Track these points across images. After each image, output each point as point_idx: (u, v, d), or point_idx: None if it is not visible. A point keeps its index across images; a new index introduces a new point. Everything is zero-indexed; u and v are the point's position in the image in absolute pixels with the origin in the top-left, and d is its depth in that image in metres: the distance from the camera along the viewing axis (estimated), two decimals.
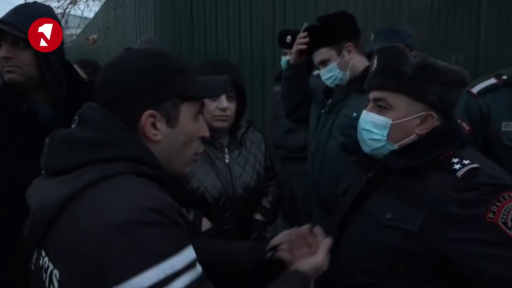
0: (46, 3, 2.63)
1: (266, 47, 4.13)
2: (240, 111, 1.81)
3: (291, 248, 1.25)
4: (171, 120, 0.99)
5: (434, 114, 1.31)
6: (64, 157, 0.92)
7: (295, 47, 2.16)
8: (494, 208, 1.14)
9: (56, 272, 0.87)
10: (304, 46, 2.12)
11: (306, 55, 2.16)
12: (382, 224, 1.29)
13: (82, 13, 6.33)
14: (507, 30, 4.88)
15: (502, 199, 1.15)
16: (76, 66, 2.67)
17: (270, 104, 3.91)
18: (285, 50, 3.34)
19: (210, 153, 1.77)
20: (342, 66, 2.03)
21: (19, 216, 1.47)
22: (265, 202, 1.92)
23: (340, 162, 1.62)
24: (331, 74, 2.05)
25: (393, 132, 1.33)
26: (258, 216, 1.87)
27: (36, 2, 1.75)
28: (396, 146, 1.34)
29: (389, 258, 1.26)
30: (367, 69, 1.81)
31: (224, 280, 1.14)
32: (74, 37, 7.26)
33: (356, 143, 1.44)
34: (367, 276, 1.32)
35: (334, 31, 2.04)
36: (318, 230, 1.25)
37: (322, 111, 2.13)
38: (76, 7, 6.09)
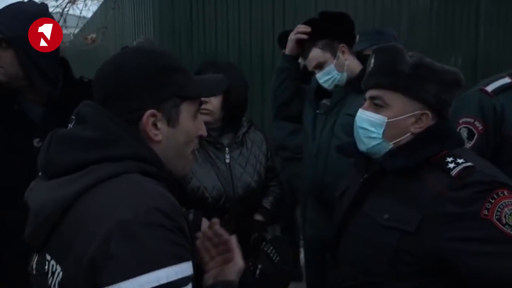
0: (46, 2, 2.62)
1: (265, 47, 4.12)
2: (228, 108, 1.80)
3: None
4: (172, 120, 0.98)
5: (429, 113, 1.32)
6: (67, 157, 0.90)
7: (294, 35, 2.13)
8: (488, 205, 1.15)
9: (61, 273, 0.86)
10: (305, 36, 2.09)
11: (301, 48, 2.14)
12: (380, 225, 1.29)
13: (80, 13, 6.31)
14: (506, 31, 4.87)
15: (496, 196, 1.16)
16: None
17: (270, 105, 3.89)
18: (284, 51, 3.34)
19: (211, 153, 1.77)
20: (339, 67, 2.03)
21: (7, 215, 1.48)
22: (266, 203, 1.92)
23: (345, 161, 1.62)
24: (329, 76, 2.04)
25: (389, 130, 1.33)
26: (258, 217, 1.88)
27: (22, 1, 1.71)
28: (391, 144, 1.34)
29: (389, 259, 1.26)
30: (363, 70, 1.82)
31: None
32: (72, 36, 7.22)
33: (353, 144, 1.45)
34: (367, 276, 1.33)
35: (334, 28, 2.04)
36: (218, 229, 1.15)
37: (317, 111, 2.12)
38: (74, 6, 6.08)
